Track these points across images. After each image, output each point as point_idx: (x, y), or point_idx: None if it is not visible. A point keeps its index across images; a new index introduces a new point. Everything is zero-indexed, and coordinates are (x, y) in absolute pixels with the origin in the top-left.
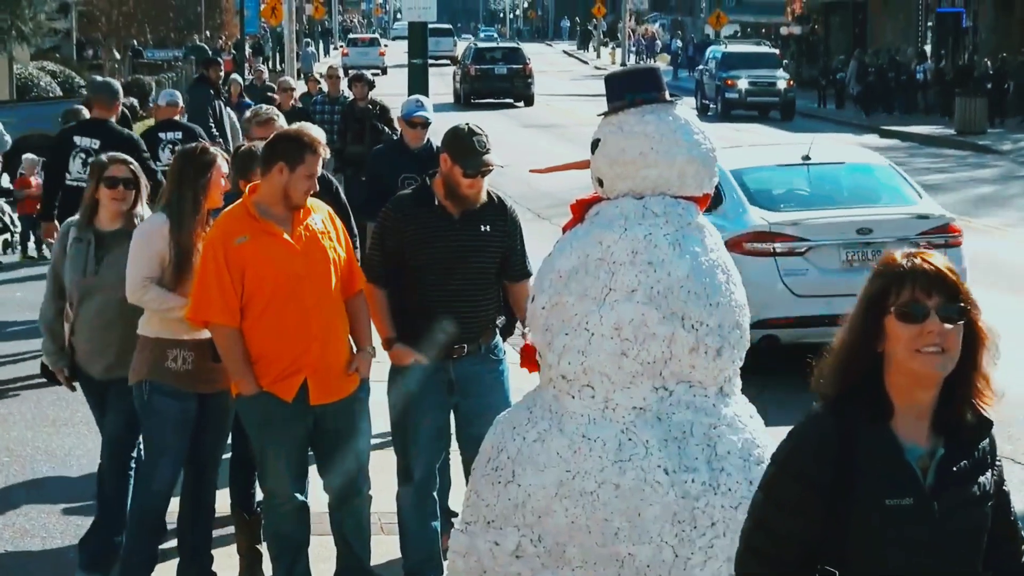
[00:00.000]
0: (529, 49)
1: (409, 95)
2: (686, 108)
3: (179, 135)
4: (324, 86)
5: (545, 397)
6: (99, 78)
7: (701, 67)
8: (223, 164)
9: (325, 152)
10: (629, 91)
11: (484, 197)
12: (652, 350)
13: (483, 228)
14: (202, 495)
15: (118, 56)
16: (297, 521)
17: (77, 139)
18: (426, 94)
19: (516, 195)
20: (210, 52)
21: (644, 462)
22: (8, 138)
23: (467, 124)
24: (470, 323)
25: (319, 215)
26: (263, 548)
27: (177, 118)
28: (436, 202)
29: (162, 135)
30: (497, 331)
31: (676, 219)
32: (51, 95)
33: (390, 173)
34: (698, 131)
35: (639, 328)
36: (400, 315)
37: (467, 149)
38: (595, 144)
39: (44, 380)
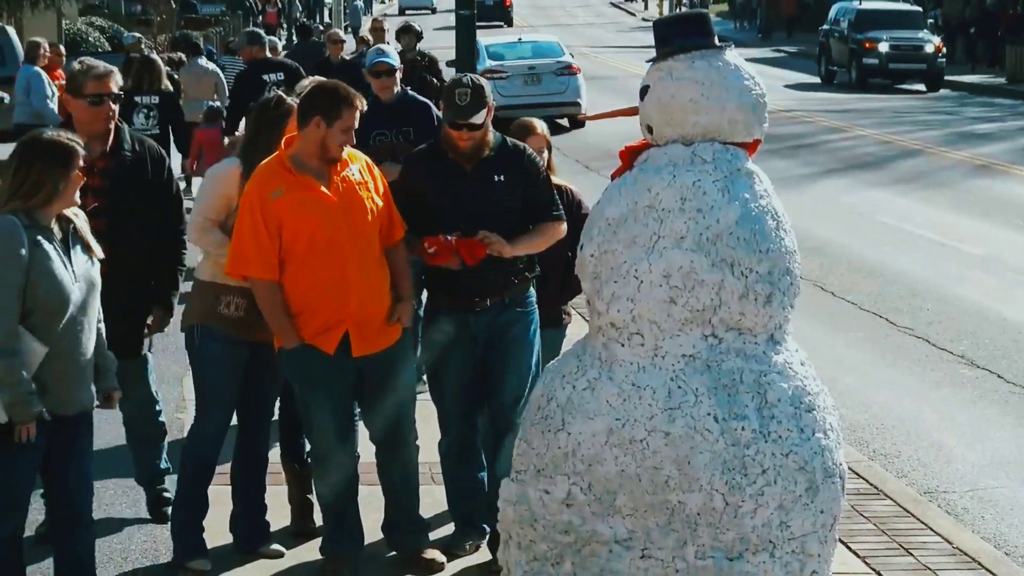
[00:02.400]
0: (575, 1)
1: (456, 50)
2: (735, 54)
3: (280, 75)
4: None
5: (594, 345)
6: None
7: (826, 27)
8: None
9: (362, 105)
10: (678, 37)
11: (494, 145)
12: (701, 297)
13: (497, 179)
14: (255, 446)
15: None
16: (344, 472)
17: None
18: (473, 51)
19: (564, 147)
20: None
21: (694, 410)
22: (53, 105)
23: (464, 76)
24: (491, 276)
25: (356, 165)
26: (314, 498)
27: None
28: (448, 156)
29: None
30: (529, 283)
31: (725, 165)
32: (100, 50)
33: (361, 130)
34: (748, 76)
35: (688, 275)
36: (426, 270)
37: (450, 102)
38: (644, 90)
39: None
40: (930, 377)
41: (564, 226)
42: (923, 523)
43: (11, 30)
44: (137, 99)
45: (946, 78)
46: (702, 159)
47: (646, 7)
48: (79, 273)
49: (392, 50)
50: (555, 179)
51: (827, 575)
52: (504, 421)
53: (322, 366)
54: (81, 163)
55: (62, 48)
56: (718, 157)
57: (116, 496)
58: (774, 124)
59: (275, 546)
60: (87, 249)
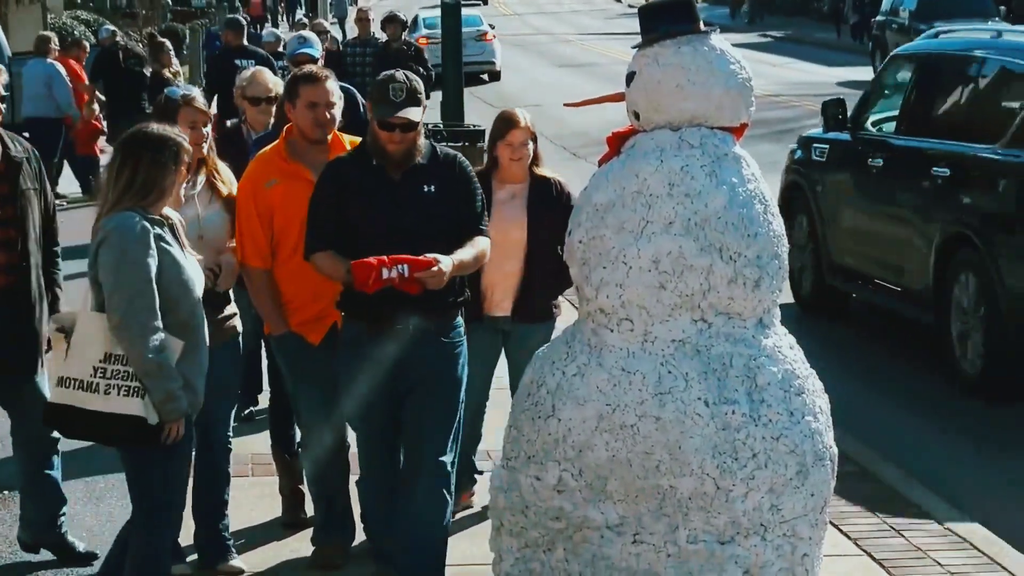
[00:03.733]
0: None
1: (443, 38)
2: (721, 38)
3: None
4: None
5: (583, 331)
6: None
7: (881, 17)
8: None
9: (328, 79)
10: (663, 23)
11: (425, 153)
12: (690, 282)
13: (427, 189)
14: (211, 457)
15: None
16: (334, 460)
17: None
18: (459, 41)
19: (550, 135)
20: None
21: (684, 394)
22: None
23: (397, 71)
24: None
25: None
26: (305, 489)
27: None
28: (373, 162)
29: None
30: (456, 309)
31: (712, 150)
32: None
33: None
34: (734, 61)
35: (677, 260)
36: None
37: (381, 97)
38: (630, 77)
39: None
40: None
41: (489, 243)
42: (914, 504)
43: None
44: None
45: None
46: (689, 144)
47: None
48: (193, 267)
49: (315, 39)
50: (541, 171)
51: (818, 557)
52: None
53: (307, 354)
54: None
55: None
56: (705, 142)
57: (106, 490)
58: (760, 108)
59: (234, 562)
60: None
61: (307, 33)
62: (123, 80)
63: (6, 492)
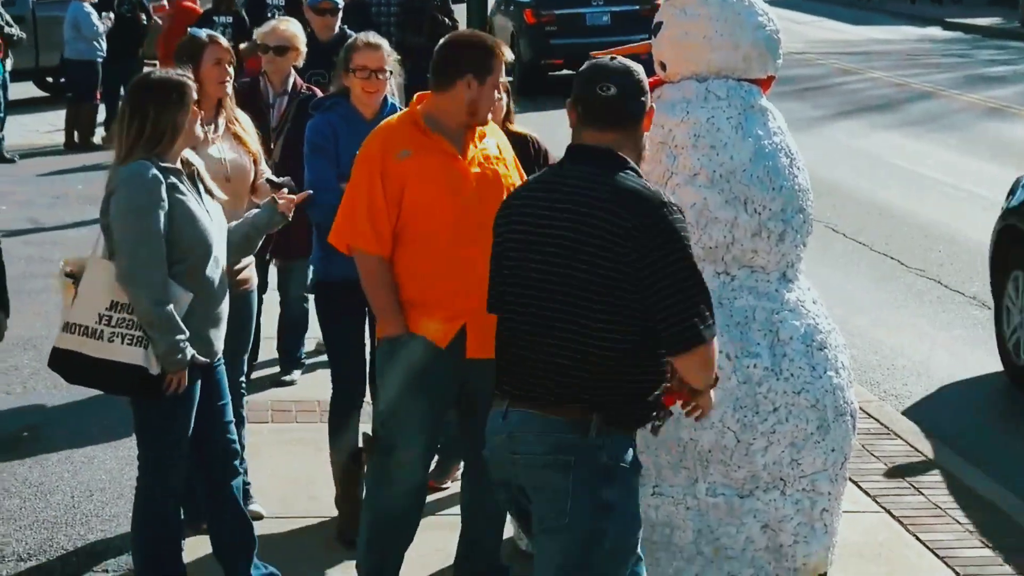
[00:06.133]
0: None
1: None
2: None
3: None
4: None
5: None
6: None
7: None
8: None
9: (509, 55)
10: None
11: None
12: (714, 235)
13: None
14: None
15: None
16: (414, 501)
17: None
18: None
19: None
20: None
21: None
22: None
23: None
24: None
25: (493, 139)
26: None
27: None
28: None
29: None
30: None
31: (739, 102)
32: None
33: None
34: (762, 13)
35: (701, 212)
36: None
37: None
38: (657, 27)
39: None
40: (941, 318)
41: None
42: (933, 462)
43: None
44: (215, 18)
45: (959, 20)
46: (716, 96)
47: None
48: (212, 215)
49: None
50: (515, 128)
51: (838, 512)
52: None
53: (428, 362)
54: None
55: None
56: (732, 94)
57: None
58: (786, 66)
59: (253, 507)
60: (208, 192)
61: None
62: (116, 25)
63: None
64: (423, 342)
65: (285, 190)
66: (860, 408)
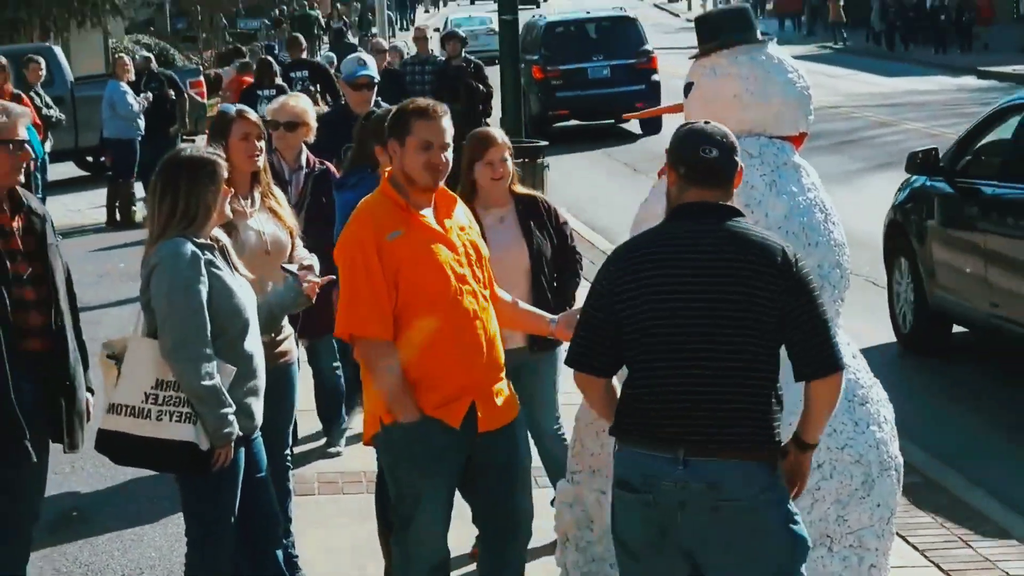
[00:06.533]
0: (619, 2)
1: (500, 57)
2: (778, 48)
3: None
4: (413, 48)
5: None
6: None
7: None
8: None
9: (444, 115)
10: (720, 32)
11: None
12: None
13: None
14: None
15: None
16: (440, 574)
17: None
18: (517, 56)
19: (613, 152)
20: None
21: None
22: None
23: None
24: None
25: (461, 207)
26: None
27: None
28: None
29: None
30: None
31: (771, 159)
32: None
33: (330, 143)
34: (791, 70)
35: None
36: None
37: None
38: (688, 87)
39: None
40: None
41: None
42: (981, 515)
43: (58, 50)
44: (259, 92)
45: (994, 68)
46: (748, 153)
47: (689, 7)
48: (244, 289)
49: (372, 62)
50: (521, 189)
51: (886, 568)
52: None
53: (444, 443)
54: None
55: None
56: (764, 151)
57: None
58: (820, 120)
59: None
60: (235, 268)
61: (364, 55)
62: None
63: None
64: (439, 425)
65: (309, 273)
66: (907, 462)
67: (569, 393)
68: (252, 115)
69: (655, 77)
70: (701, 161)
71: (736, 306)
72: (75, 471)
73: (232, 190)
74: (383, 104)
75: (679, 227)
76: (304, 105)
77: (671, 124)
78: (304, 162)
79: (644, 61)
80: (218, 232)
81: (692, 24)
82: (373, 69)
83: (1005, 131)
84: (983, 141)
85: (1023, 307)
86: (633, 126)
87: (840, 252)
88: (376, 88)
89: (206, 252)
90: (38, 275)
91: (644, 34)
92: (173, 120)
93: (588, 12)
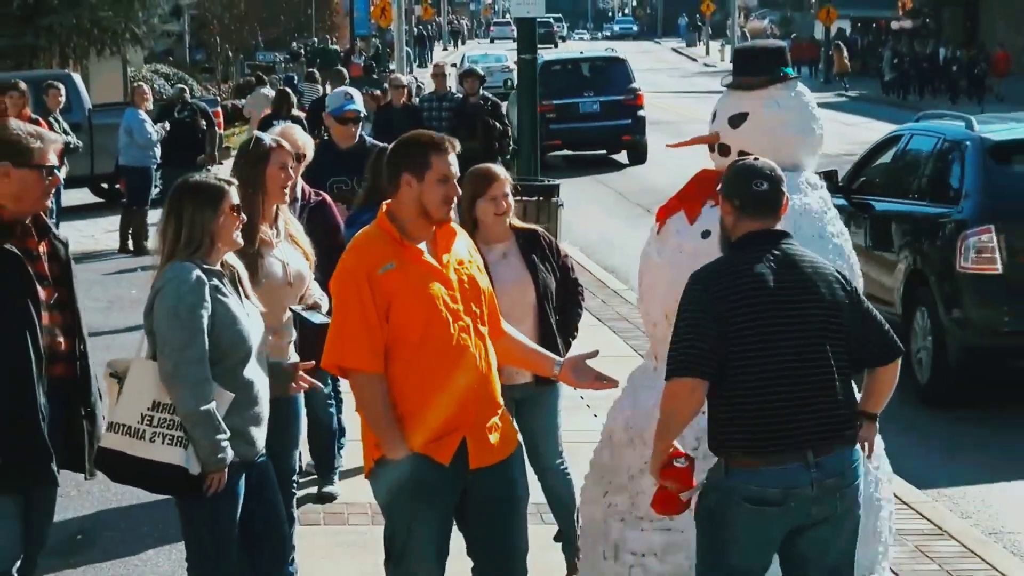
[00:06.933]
0: (637, 47)
1: (518, 95)
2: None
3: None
4: (432, 85)
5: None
6: None
7: None
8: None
9: (455, 148)
10: (773, 65)
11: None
12: None
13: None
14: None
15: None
16: None
17: None
18: (535, 95)
19: (624, 191)
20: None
21: None
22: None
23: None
24: None
25: (463, 241)
26: None
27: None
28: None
29: None
30: None
31: (824, 191)
32: (164, 98)
33: (316, 176)
34: (814, 107)
35: None
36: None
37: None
38: (741, 117)
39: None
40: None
41: None
42: (988, 563)
43: (77, 77)
44: (274, 122)
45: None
46: (811, 185)
47: (707, 52)
48: (252, 318)
49: (359, 96)
50: (520, 224)
51: None
52: None
53: (434, 480)
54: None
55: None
56: (819, 183)
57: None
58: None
59: None
60: (247, 296)
61: (351, 89)
62: (174, 130)
63: None
64: (428, 462)
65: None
66: (913, 508)
67: (570, 431)
68: (288, 145)
69: (640, 112)
70: (754, 195)
71: (823, 317)
72: (81, 495)
73: (245, 218)
74: (367, 139)
75: (751, 255)
76: (303, 137)
77: (654, 156)
78: (300, 194)
79: (631, 98)
80: (232, 259)
81: (709, 68)
82: (360, 103)
83: (887, 156)
84: (873, 163)
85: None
86: (621, 156)
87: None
88: (361, 123)
89: (213, 278)
90: (63, 301)
91: (632, 73)
92: (202, 149)
93: (582, 52)
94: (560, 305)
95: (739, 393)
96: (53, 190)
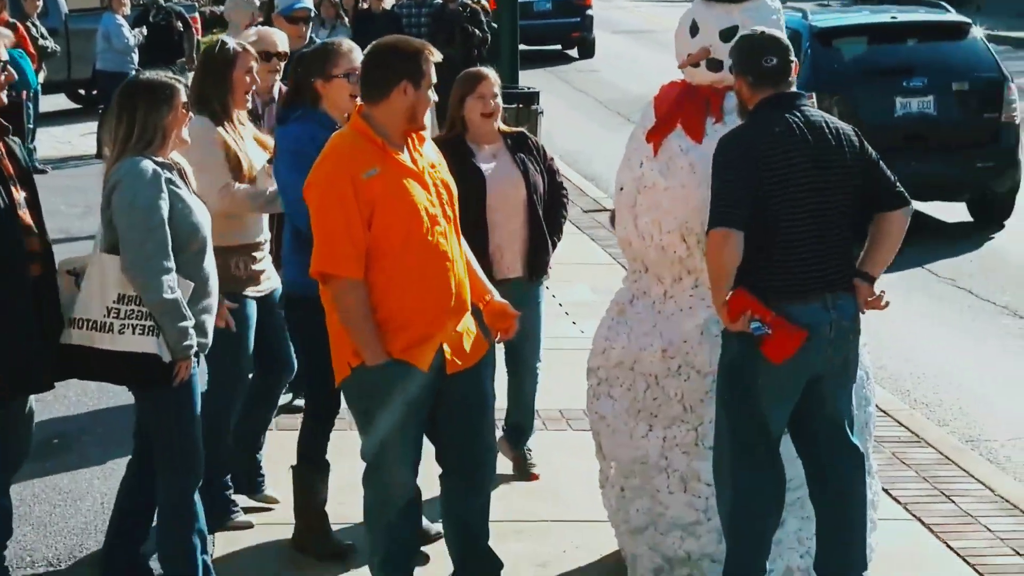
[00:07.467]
0: None
1: (498, 2)
2: None
3: None
4: None
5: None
6: None
7: None
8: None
9: (437, 56)
10: None
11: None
12: None
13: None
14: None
15: None
16: (414, 517)
17: None
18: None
19: (605, 100)
20: None
21: None
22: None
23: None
24: None
25: (430, 144)
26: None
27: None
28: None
29: None
30: None
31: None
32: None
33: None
34: None
35: None
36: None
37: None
38: (732, 31)
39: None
40: (972, 327)
41: None
42: (964, 470)
43: None
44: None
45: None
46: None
47: None
48: (203, 211)
49: None
50: (505, 127)
51: (872, 519)
52: None
53: (413, 386)
54: None
55: None
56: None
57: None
58: None
59: (241, 517)
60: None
61: None
62: (151, 35)
63: None
64: (407, 368)
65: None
66: (891, 416)
67: (550, 338)
68: (252, 49)
69: (589, 12)
70: (765, 70)
71: (844, 172)
72: (57, 399)
73: (191, 115)
74: (317, 40)
75: (776, 118)
76: (280, 36)
77: (602, 48)
78: (276, 94)
79: None
80: (176, 156)
81: None
82: (310, 1)
83: None
84: None
85: None
86: (611, 74)
87: None
88: (311, 23)
89: (165, 171)
90: (29, 200)
91: None
92: (180, 53)
93: None
94: (546, 208)
95: (774, 241)
96: (6, 87)
